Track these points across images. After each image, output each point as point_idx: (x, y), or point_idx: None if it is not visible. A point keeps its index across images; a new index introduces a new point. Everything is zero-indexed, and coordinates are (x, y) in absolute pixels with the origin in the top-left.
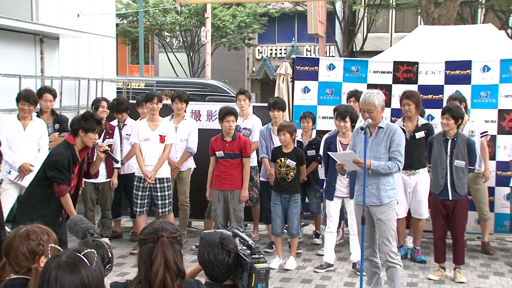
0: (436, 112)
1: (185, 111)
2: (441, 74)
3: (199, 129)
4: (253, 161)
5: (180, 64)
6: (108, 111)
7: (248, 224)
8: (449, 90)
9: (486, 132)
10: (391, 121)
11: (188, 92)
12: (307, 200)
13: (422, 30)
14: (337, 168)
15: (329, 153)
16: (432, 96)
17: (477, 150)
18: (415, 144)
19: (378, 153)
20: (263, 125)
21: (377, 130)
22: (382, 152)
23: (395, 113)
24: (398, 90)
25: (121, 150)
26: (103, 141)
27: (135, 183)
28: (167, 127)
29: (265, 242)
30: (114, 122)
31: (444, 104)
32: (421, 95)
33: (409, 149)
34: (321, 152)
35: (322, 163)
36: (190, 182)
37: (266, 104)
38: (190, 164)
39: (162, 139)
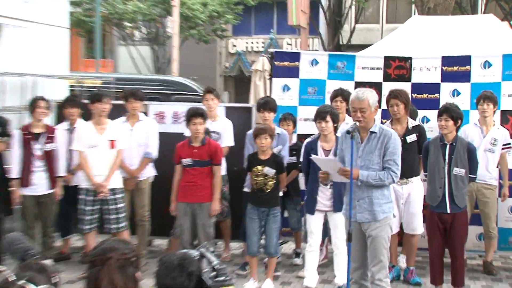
0: (432, 114)
1: (143, 112)
2: (437, 71)
3: (163, 132)
4: (222, 169)
5: (143, 59)
6: (49, 111)
7: (219, 242)
8: (446, 88)
9: (510, 144)
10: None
11: (152, 91)
12: (286, 214)
13: (417, 21)
14: (320, 177)
15: (312, 156)
16: (427, 96)
17: (479, 158)
18: (406, 149)
19: (371, 162)
20: (238, 129)
21: (369, 136)
22: (375, 161)
23: (386, 115)
24: (389, 88)
25: (69, 158)
26: (43, 146)
27: (82, 196)
28: (118, 130)
29: (238, 262)
30: (64, 125)
31: (441, 103)
32: (415, 95)
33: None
34: (301, 159)
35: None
36: (150, 194)
37: (241, 105)
38: (150, 172)
39: (112, 144)
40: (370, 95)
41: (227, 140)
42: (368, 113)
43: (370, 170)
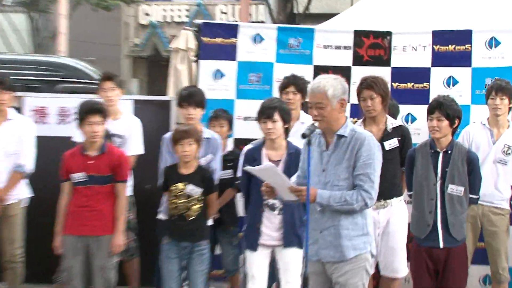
0: (420, 110)
1: (15, 108)
2: (426, 51)
3: (44, 136)
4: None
5: (16, 32)
6: None
7: None
8: (439, 75)
9: None
10: None
11: (28, 77)
12: (218, 251)
13: None
14: (263, 192)
15: (246, 167)
16: (412, 85)
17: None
18: (384, 159)
19: (337, 177)
20: (150, 131)
21: (337, 141)
22: (342, 176)
23: (357, 112)
24: (361, 75)
25: None
26: None
27: None
28: None
29: None
30: None
31: (432, 95)
32: (397, 84)
33: None
34: (239, 174)
35: (242, 192)
36: (24, 224)
37: (155, 97)
38: (23, 193)
39: None
40: (330, 84)
41: (134, 146)
42: (328, 109)
43: (336, 188)
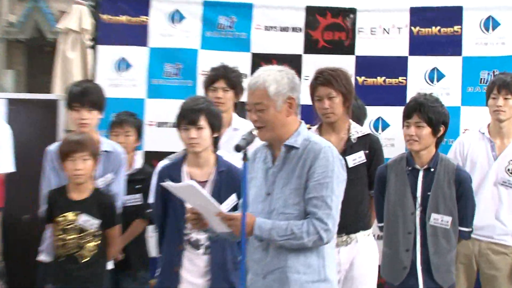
0: (393, 113)
1: None
2: (402, 35)
3: None
4: None
5: None
6: None
7: None
8: (419, 66)
9: None
10: None
11: None
12: None
13: None
14: (188, 221)
15: (164, 184)
16: (384, 80)
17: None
18: (347, 179)
19: (285, 202)
20: (28, 141)
21: (285, 154)
22: (291, 200)
23: (310, 116)
24: (316, 67)
25: None
26: None
27: None
28: None
29: None
30: None
31: (410, 93)
32: (363, 78)
33: None
34: (151, 200)
35: (155, 224)
36: None
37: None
38: None
39: None
40: (273, 78)
41: (0, 161)
42: (272, 112)
43: (282, 217)
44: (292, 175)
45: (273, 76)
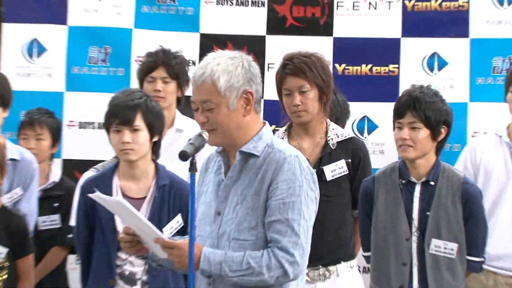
0: (382, 111)
1: None
2: (393, 10)
3: None
4: None
5: None
6: None
7: None
8: (414, 51)
9: None
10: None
11: None
12: None
13: None
14: (121, 242)
15: (93, 195)
16: (370, 69)
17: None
18: (324, 196)
19: (238, 225)
20: None
21: (241, 164)
22: (247, 223)
23: (276, 116)
24: (282, 51)
25: None
26: None
27: None
28: None
29: None
30: None
31: (402, 86)
32: (344, 66)
33: None
34: (73, 222)
35: (78, 252)
36: None
37: None
38: None
39: None
40: (224, 67)
41: None
42: (223, 111)
43: (236, 245)
44: (249, 190)
45: (223, 65)
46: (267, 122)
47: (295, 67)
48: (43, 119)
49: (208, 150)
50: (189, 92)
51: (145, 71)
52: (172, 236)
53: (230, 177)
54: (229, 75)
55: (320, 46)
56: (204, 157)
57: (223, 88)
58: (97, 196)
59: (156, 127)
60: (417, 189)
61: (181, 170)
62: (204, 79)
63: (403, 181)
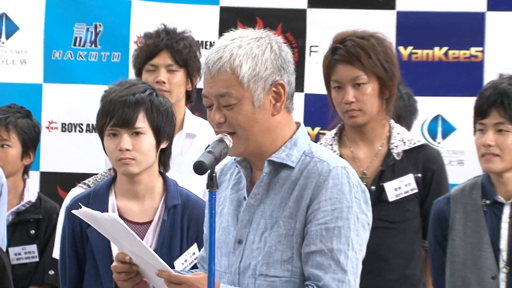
0: (461, 109)
1: None
2: None
3: None
4: None
5: None
6: None
7: None
8: (504, 29)
9: None
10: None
11: None
12: None
13: None
14: (114, 274)
15: (78, 211)
16: (445, 53)
17: None
18: (381, 221)
19: (268, 257)
20: None
21: (270, 178)
22: (278, 254)
23: (323, 116)
24: (329, 30)
25: None
26: None
27: None
28: None
29: None
30: None
31: (487, 76)
32: (409, 50)
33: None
34: (56, 255)
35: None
36: None
37: None
38: None
39: None
40: (247, 51)
41: None
42: (246, 108)
43: (264, 283)
44: (281, 212)
45: (246, 48)
46: (302, 124)
47: (348, 52)
48: (10, 119)
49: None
50: (201, 84)
51: (144, 57)
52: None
53: (255, 195)
54: (254, 61)
55: (379, 23)
56: (219, 166)
57: (246, 78)
58: (84, 212)
59: (165, 129)
60: (506, 211)
61: (195, 186)
62: (221, 66)
63: (488, 202)
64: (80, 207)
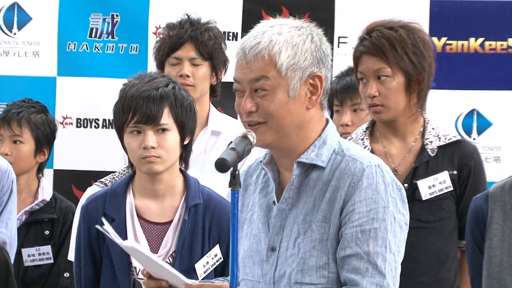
0: (499, 102)
1: None
2: None
3: None
4: None
5: None
6: None
7: None
8: None
9: None
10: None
11: None
12: None
13: None
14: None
15: (102, 228)
16: (482, 44)
17: None
18: (417, 221)
19: (302, 264)
20: None
21: (300, 179)
22: (315, 259)
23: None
24: (357, 20)
25: None
26: None
27: None
28: None
29: None
30: None
31: None
32: (444, 41)
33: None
34: (71, 256)
35: None
36: None
37: None
38: None
39: None
40: (284, 39)
41: None
42: (280, 97)
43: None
44: (314, 215)
45: (286, 36)
46: (330, 120)
47: (373, 43)
48: (23, 114)
49: (249, 158)
50: (226, 78)
51: (167, 50)
52: (207, 275)
53: (285, 199)
54: (294, 49)
55: (411, 13)
56: (243, 168)
57: (285, 66)
58: (107, 230)
59: (189, 125)
60: None
61: (218, 185)
62: (259, 51)
63: None
64: (96, 208)
